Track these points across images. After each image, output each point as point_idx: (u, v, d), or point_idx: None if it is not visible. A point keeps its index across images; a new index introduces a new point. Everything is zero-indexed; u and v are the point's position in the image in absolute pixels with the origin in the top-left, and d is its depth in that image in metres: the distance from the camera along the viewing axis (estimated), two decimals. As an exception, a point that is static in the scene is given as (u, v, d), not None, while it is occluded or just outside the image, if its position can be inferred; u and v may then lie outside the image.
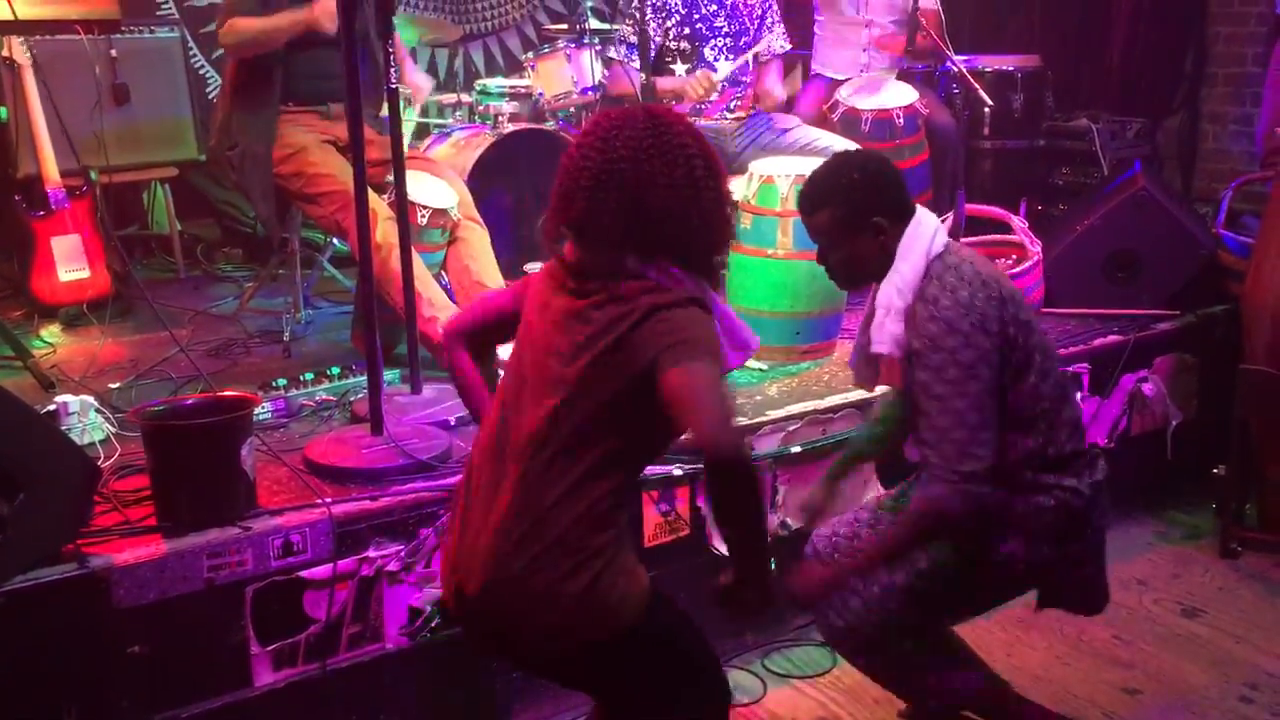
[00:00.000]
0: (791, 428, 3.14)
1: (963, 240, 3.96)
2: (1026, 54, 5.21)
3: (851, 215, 2.29)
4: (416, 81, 4.13)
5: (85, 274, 4.10)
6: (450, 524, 2.06)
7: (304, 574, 2.45)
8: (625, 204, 1.88)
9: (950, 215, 4.01)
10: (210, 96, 5.15)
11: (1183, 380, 3.94)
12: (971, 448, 2.17)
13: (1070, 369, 3.64)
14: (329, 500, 2.51)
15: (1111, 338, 3.80)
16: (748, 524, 1.84)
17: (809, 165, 3.52)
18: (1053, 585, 2.42)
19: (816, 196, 2.33)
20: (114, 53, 4.60)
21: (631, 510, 2.84)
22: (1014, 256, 4.15)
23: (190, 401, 2.53)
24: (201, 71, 5.27)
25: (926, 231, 2.29)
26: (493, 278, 3.60)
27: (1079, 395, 3.66)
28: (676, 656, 1.99)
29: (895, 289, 2.27)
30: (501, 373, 2.16)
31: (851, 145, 4.02)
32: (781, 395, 3.29)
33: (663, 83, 4.09)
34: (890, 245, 2.29)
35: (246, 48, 3.53)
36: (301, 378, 3.21)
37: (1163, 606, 3.36)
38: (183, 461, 2.38)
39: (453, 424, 3.02)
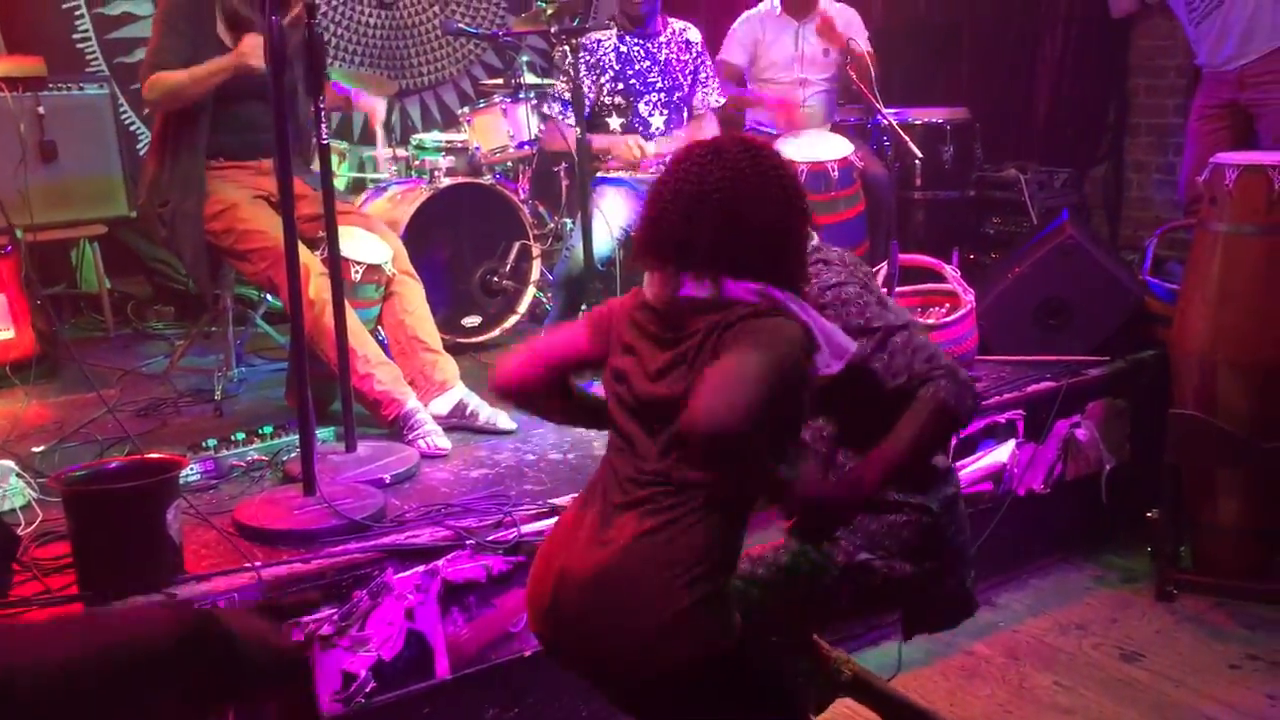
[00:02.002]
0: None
1: (897, 289, 4.01)
2: (955, 106, 5.32)
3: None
4: (368, 104, 4.09)
5: (9, 334, 4.01)
6: (553, 540, 2.02)
7: (232, 640, 2.37)
8: (723, 223, 1.89)
9: (885, 265, 4.06)
10: (141, 152, 5.09)
11: (1115, 425, 4.00)
12: (939, 349, 2.17)
13: (1005, 416, 3.68)
14: (258, 564, 2.44)
15: (1044, 384, 3.85)
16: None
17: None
18: (915, 606, 2.41)
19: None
20: (41, 109, 4.54)
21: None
22: (947, 305, 4.20)
23: (114, 465, 2.46)
24: (132, 128, 5.22)
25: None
26: (428, 333, 3.57)
27: (1015, 441, 3.70)
28: (767, 695, 1.96)
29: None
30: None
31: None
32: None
33: (597, 140, 4.11)
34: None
35: (173, 100, 3.45)
36: (232, 437, 3.14)
37: (1102, 651, 3.37)
38: (105, 527, 2.31)
39: (388, 482, 2.97)
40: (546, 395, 2.11)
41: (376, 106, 4.13)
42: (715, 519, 1.85)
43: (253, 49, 3.35)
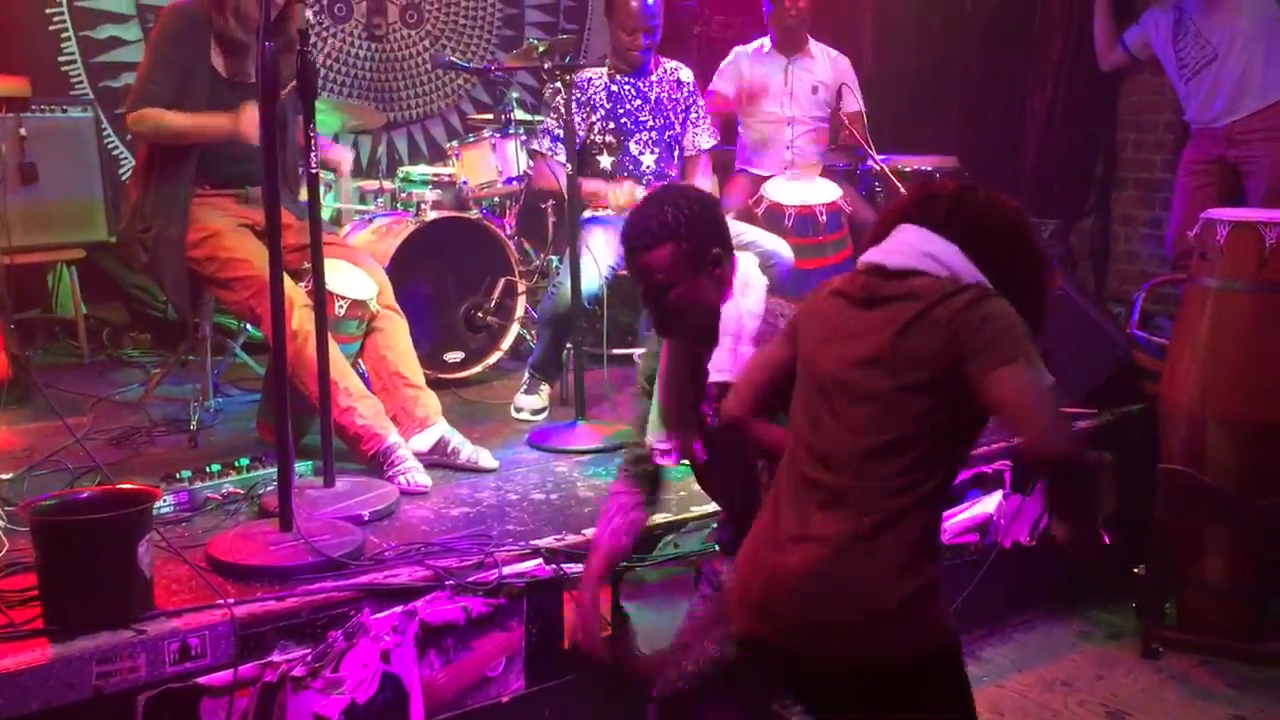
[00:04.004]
0: (714, 525, 3.07)
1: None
2: (944, 155, 5.33)
3: (697, 248, 2.28)
4: (335, 156, 4.07)
5: (-20, 357, 3.93)
6: (757, 537, 2.02)
7: (202, 680, 2.29)
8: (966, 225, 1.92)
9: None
10: (123, 177, 5.04)
11: (1102, 478, 3.97)
12: None
13: (992, 467, 3.65)
14: (231, 601, 2.37)
15: (1032, 435, 3.81)
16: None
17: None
18: None
19: (660, 231, 2.27)
20: (23, 131, 4.49)
21: (552, 609, 2.77)
22: (936, 353, 4.18)
23: (85, 495, 2.39)
24: (115, 152, 5.16)
25: (753, 264, 2.37)
26: (411, 368, 3.51)
27: (1001, 492, 3.66)
28: (967, 696, 1.96)
29: (746, 313, 2.31)
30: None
31: (780, 241, 4.04)
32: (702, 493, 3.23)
33: (586, 184, 4.09)
34: (725, 277, 2.33)
35: (160, 139, 3.43)
36: (207, 469, 3.07)
37: (1088, 709, 3.32)
38: (73, 559, 2.22)
39: (366, 518, 2.91)
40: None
41: (344, 159, 4.11)
42: (922, 510, 1.87)
43: (253, 126, 3.32)
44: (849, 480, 1.88)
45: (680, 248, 2.27)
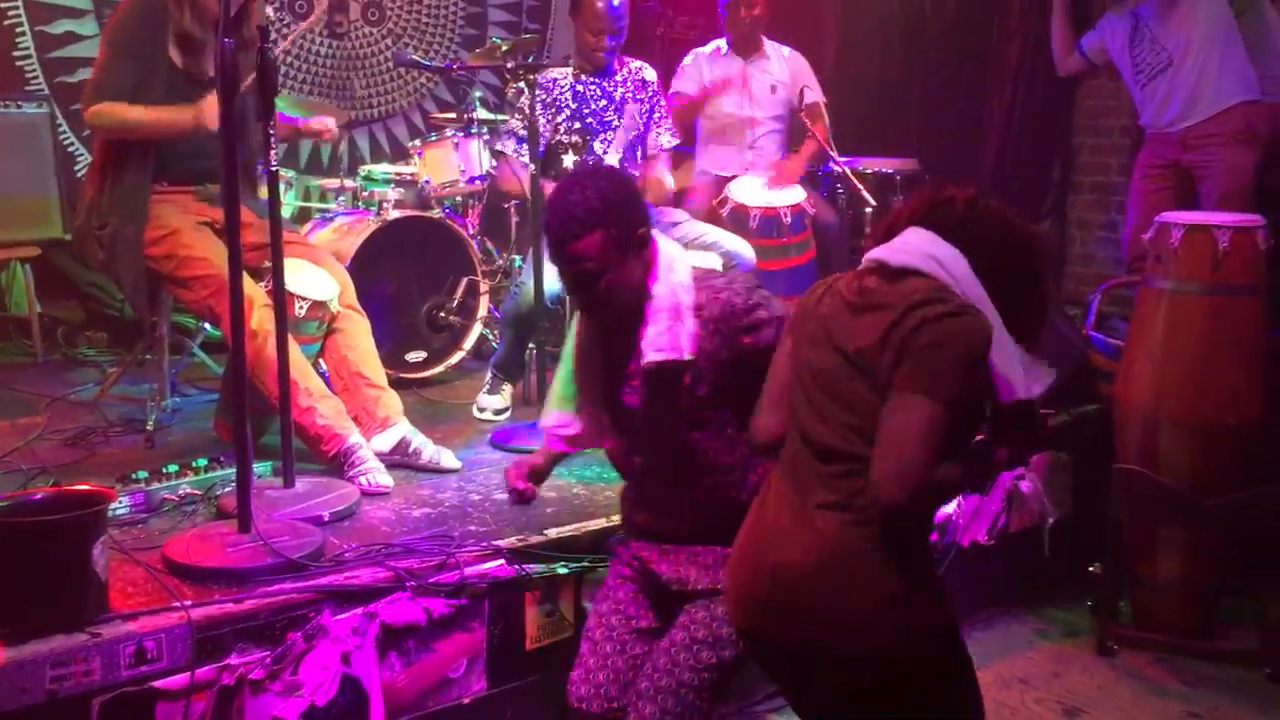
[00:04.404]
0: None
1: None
2: (905, 157, 5.37)
3: (624, 233, 2.26)
4: (317, 125, 3.97)
5: (-68, 356, 3.87)
6: (753, 531, 2.06)
7: (158, 684, 2.26)
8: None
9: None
10: (79, 174, 4.96)
11: (1058, 478, 4.01)
12: None
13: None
14: (188, 603, 2.35)
15: (991, 435, 3.85)
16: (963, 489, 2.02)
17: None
18: None
19: (588, 219, 2.23)
20: (-24, 126, 4.42)
21: (514, 610, 2.76)
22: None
23: (39, 496, 2.36)
24: (70, 148, 5.09)
25: (653, 204, 2.36)
26: (372, 368, 3.49)
27: (960, 493, 3.69)
28: (968, 688, 1.99)
29: (679, 289, 2.29)
30: None
31: (742, 242, 4.05)
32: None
33: (550, 185, 4.07)
34: (651, 255, 2.31)
35: (118, 133, 3.38)
36: (164, 470, 3.03)
37: (1045, 706, 3.36)
38: (26, 562, 2.19)
39: (326, 519, 2.89)
40: None
41: (326, 124, 4.01)
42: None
43: (214, 114, 3.29)
44: (843, 476, 1.92)
45: (609, 233, 2.24)
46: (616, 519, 2.84)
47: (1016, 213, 2.03)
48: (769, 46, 5.02)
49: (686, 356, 2.27)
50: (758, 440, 2.19)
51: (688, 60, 5.07)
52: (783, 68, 5.00)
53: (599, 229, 2.23)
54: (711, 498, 2.37)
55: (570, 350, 2.50)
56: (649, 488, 2.48)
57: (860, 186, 4.19)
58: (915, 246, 1.97)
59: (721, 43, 5.04)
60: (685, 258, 2.37)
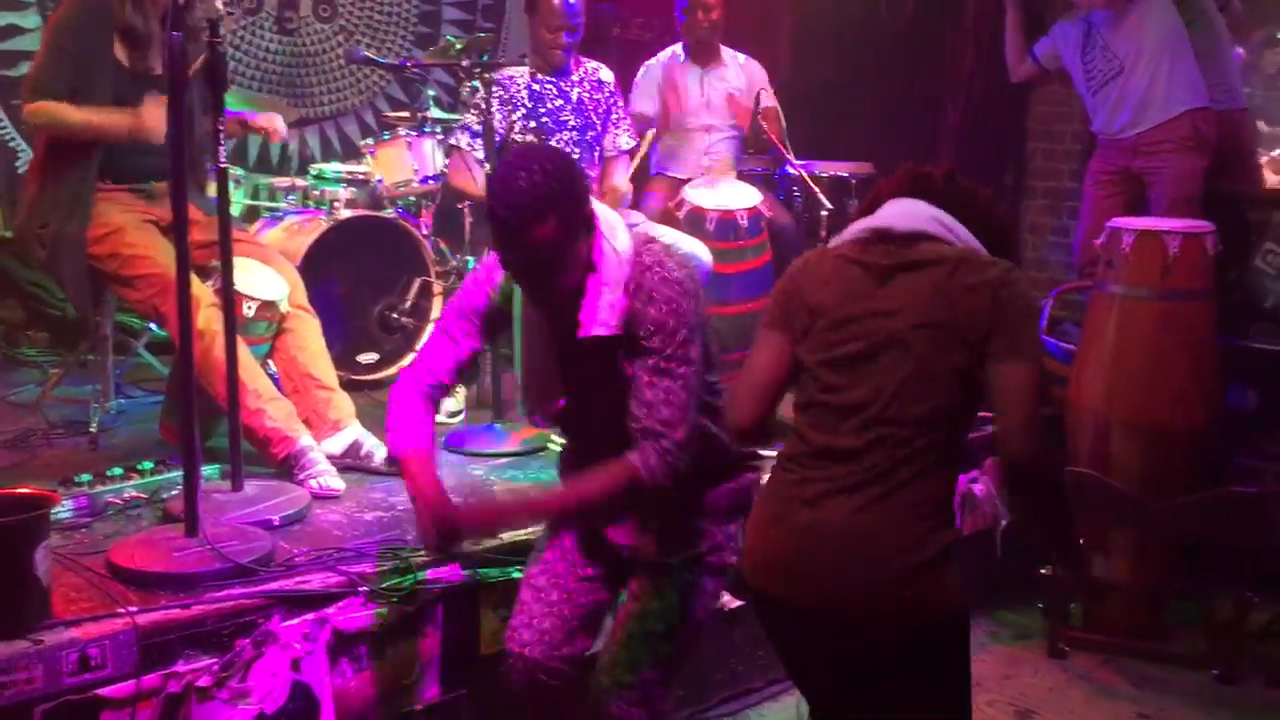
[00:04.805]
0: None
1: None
2: (860, 162, 5.39)
3: (575, 213, 2.18)
4: (264, 122, 3.89)
5: None
6: (773, 500, 2.08)
7: (102, 692, 2.21)
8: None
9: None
10: (19, 169, 4.85)
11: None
12: (687, 414, 2.16)
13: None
14: (133, 609, 2.29)
15: (945, 439, 3.86)
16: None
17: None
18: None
19: (538, 205, 2.12)
20: (-87, 120, 4.30)
21: (468, 615, 2.73)
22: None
23: (-23, 499, 2.29)
24: (11, 143, 4.98)
25: (610, 207, 2.34)
26: (323, 370, 3.44)
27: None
28: (966, 663, 2.05)
29: (617, 261, 2.21)
30: None
31: (699, 244, 4.04)
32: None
33: None
34: (593, 231, 2.23)
35: (54, 134, 3.31)
36: (108, 473, 2.97)
37: (997, 708, 3.38)
38: (-36, 567, 2.14)
39: (276, 523, 2.84)
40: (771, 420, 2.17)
41: (274, 122, 3.94)
42: (943, 470, 1.96)
43: (155, 123, 3.23)
44: (872, 442, 1.95)
45: (561, 217, 2.14)
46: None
47: (984, 189, 2.16)
48: (726, 54, 5.03)
49: (616, 331, 2.19)
50: (740, 427, 2.18)
51: (642, 73, 5.05)
52: (739, 75, 5.01)
53: (551, 214, 2.13)
54: None
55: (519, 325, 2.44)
56: (595, 448, 2.36)
57: (816, 189, 4.19)
58: (916, 212, 2.04)
59: (678, 48, 5.04)
60: (625, 231, 2.28)
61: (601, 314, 2.19)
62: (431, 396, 2.42)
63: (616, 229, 2.26)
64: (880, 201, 2.13)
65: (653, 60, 5.08)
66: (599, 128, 4.28)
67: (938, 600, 1.93)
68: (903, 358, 1.96)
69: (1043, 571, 3.76)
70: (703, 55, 4.99)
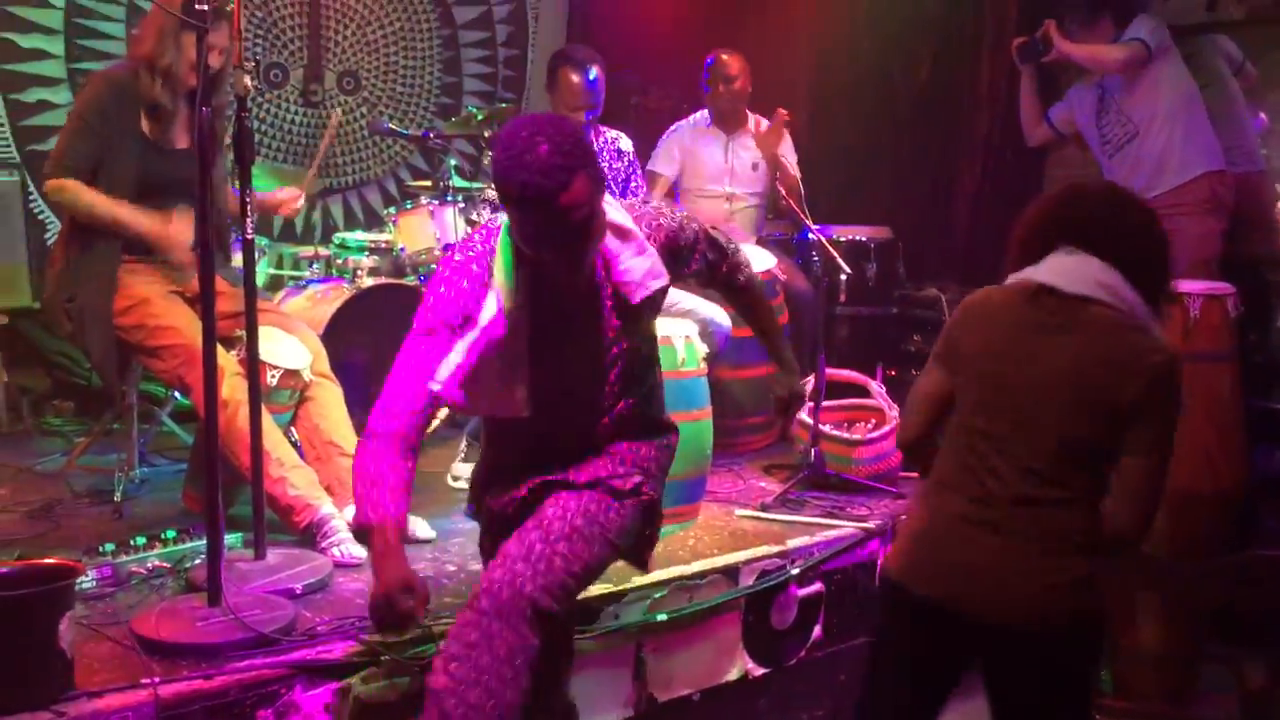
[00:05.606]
0: (657, 595, 3.04)
1: (823, 404, 4.00)
2: (878, 226, 5.42)
3: (597, 172, 2.12)
4: (281, 195, 3.96)
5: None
6: (931, 524, 2.24)
7: (123, 764, 2.20)
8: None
9: (811, 379, 4.06)
10: (49, 242, 4.93)
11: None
12: None
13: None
14: (156, 680, 2.29)
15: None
16: None
17: (680, 327, 3.55)
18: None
19: (568, 164, 2.04)
20: (-54, 195, 4.39)
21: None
22: (873, 420, 4.21)
23: (4, 570, 2.30)
24: (40, 216, 5.06)
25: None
26: (345, 437, 3.45)
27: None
28: (1099, 670, 2.37)
29: (629, 218, 2.31)
30: None
31: (718, 309, 4.05)
32: (646, 561, 3.20)
33: None
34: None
35: (75, 215, 3.36)
36: (132, 542, 2.98)
37: (1028, 778, 3.31)
38: (-11, 638, 2.14)
39: (299, 592, 2.83)
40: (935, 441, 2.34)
41: (291, 196, 4.01)
42: (1093, 500, 2.13)
43: (182, 239, 3.33)
44: (1033, 474, 2.12)
45: (589, 174, 2.08)
46: (597, 589, 2.81)
47: (1139, 200, 2.27)
48: (751, 120, 5.06)
49: (667, 278, 2.31)
50: (904, 444, 2.42)
51: (668, 135, 5.09)
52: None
53: (581, 170, 2.06)
54: (634, 412, 2.42)
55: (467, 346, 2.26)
56: (557, 441, 2.38)
57: (834, 254, 4.21)
58: (1085, 274, 2.13)
59: (705, 114, 5.08)
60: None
61: (637, 274, 2.26)
62: (411, 445, 2.25)
63: (611, 203, 2.29)
64: (1039, 243, 2.21)
65: (681, 123, 5.12)
66: (618, 195, 4.31)
67: (1096, 608, 2.14)
68: (1052, 410, 2.10)
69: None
70: (729, 122, 5.03)
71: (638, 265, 2.28)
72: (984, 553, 2.13)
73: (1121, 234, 2.16)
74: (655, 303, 2.34)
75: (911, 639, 2.28)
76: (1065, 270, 2.14)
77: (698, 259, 2.47)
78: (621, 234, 2.28)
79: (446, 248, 4.71)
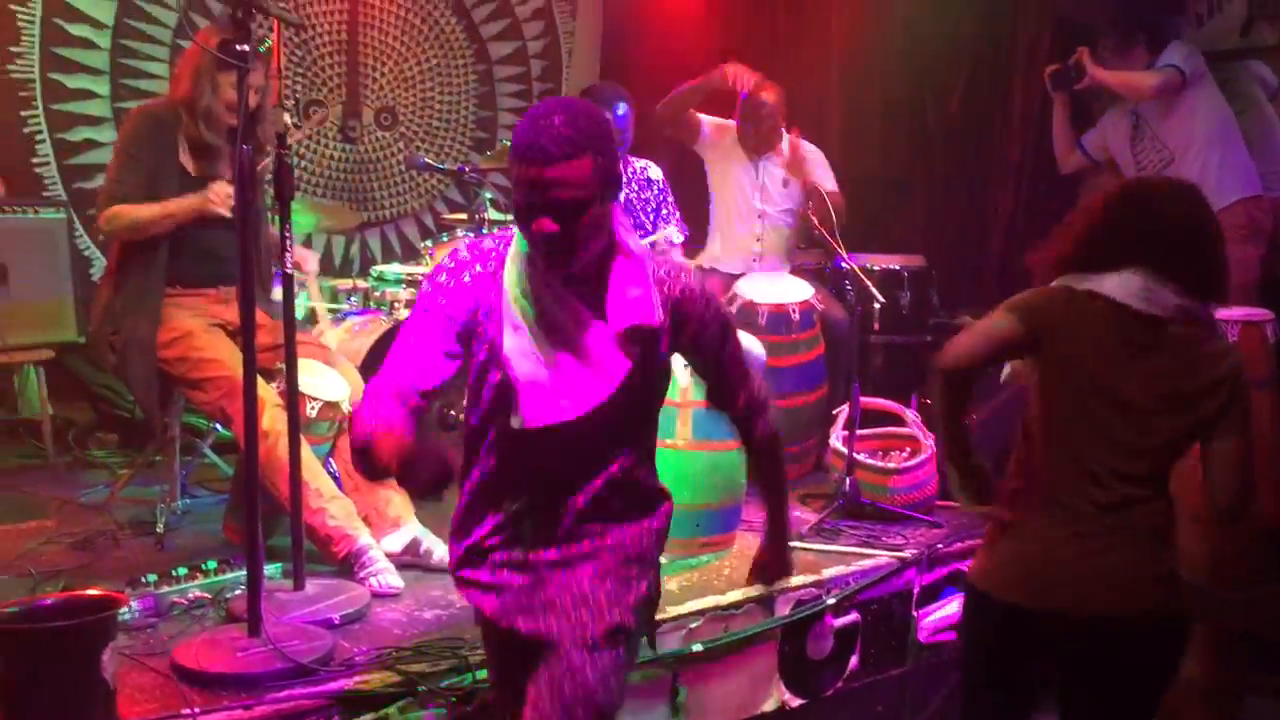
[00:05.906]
0: (693, 625, 3.04)
1: (858, 433, 3.99)
2: (911, 254, 5.41)
3: (610, 164, 1.96)
4: (297, 257, 4.02)
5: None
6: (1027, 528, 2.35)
7: (165, 794, 2.23)
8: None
9: (846, 407, 4.05)
10: (94, 277, 5.02)
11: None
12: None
13: (968, 564, 3.63)
14: (197, 710, 2.32)
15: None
16: None
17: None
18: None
19: (579, 139, 1.90)
20: (-5, 232, 4.48)
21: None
22: (908, 449, 4.20)
23: (48, 602, 2.34)
24: (86, 252, 5.16)
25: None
26: (383, 468, 3.47)
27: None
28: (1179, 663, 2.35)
29: (638, 255, 2.06)
30: None
31: (752, 339, 4.06)
32: (682, 590, 3.21)
33: None
34: (614, 215, 2.03)
35: (133, 233, 3.43)
36: (174, 572, 3.02)
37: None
38: (34, 668, 2.18)
39: (337, 622, 2.86)
40: (973, 381, 2.43)
41: (306, 257, 4.10)
42: (1168, 494, 2.32)
43: (222, 199, 3.35)
44: (1125, 475, 2.26)
45: (598, 161, 1.92)
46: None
47: (1196, 197, 2.37)
48: (786, 142, 4.99)
49: (659, 324, 2.03)
50: (944, 366, 2.37)
51: (720, 119, 5.00)
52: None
53: (589, 151, 1.90)
54: (622, 479, 2.10)
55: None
56: (534, 494, 2.10)
57: (868, 282, 4.21)
58: (1162, 301, 2.24)
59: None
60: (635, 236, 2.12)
61: (634, 306, 2.02)
62: (411, 406, 2.04)
63: (633, 234, 2.12)
64: (1105, 247, 2.30)
65: (731, 124, 5.00)
66: (650, 226, 4.35)
67: (1180, 596, 2.30)
68: (1144, 414, 2.25)
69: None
70: (757, 145, 4.97)
71: (631, 294, 2.04)
72: (1084, 555, 2.26)
73: (1195, 253, 2.28)
74: (642, 338, 2.04)
75: (1004, 646, 2.38)
76: (1142, 294, 2.24)
77: (702, 331, 2.12)
78: (632, 264, 2.06)
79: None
